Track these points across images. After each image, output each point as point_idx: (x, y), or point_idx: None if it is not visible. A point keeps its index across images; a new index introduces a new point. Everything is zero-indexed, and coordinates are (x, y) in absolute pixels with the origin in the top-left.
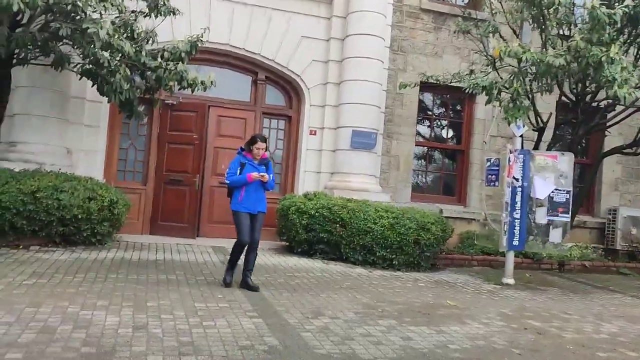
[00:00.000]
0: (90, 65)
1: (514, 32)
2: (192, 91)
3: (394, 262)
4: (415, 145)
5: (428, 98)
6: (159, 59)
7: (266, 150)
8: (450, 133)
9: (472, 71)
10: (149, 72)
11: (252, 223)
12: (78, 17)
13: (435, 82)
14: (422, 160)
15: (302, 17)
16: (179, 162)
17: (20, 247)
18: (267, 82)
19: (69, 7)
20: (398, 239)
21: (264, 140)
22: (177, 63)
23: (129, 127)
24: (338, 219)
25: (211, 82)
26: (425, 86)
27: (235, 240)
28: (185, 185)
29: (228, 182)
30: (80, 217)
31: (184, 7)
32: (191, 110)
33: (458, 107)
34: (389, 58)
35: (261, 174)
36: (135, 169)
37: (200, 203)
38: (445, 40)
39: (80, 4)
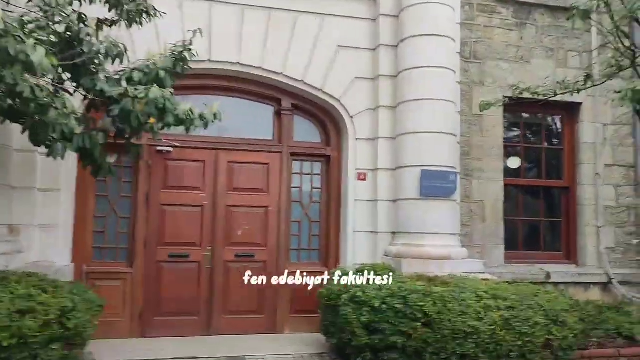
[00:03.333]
0: (10, 101)
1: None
2: (187, 130)
3: None
4: (505, 183)
5: (514, 119)
6: (124, 84)
7: None
8: (548, 165)
9: (588, 76)
10: (112, 106)
11: None
12: None
13: (532, 96)
14: (514, 205)
15: (337, 21)
16: (181, 230)
17: None
18: (294, 112)
19: None
20: (519, 343)
21: None
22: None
23: (107, 186)
24: (419, 314)
25: (214, 115)
26: (509, 103)
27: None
28: (191, 262)
29: None
30: (6, 344)
31: (172, 15)
32: (194, 160)
33: (555, 129)
34: (460, 68)
35: None
36: (117, 244)
37: (211, 286)
38: (533, 39)
39: None
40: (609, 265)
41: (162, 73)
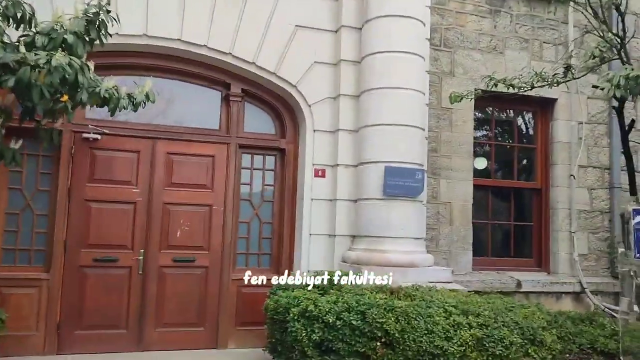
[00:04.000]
0: None
1: None
2: (112, 113)
3: None
4: (474, 184)
5: (486, 114)
6: (22, 49)
7: None
8: (521, 164)
9: (568, 67)
10: (6, 76)
11: None
12: None
13: (507, 89)
14: (483, 207)
15: None
16: (109, 231)
17: None
18: (245, 98)
19: None
20: None
21: None
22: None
23: (23, 178)
24: (379, 332)
25: (146, 95)
26: (479, 97)
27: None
28: (120, 267)
29: None
30: None
31: None
32: (127, 150)
33: (528, 126)
34: (430, 56)
35: None
36: (33, 246)
37: (144, 295)
38: (507, 29)
39: None
40: (582, 273)
41: (70, 38)
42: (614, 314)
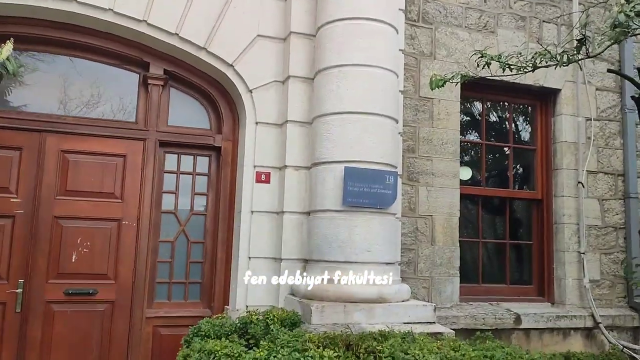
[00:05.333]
0: None
1: None
2: None
3: None
4: (461, 193)
5: (474, 108)
6: None
7: None
8: (517, 170)
9: (582, 41)
10: None
11: None
12: None
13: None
14: (472, 222)
15: None
16: None
17: None
18: (170, 83)
19: None
20: None
21: None
22: None
23: None
24: None
25: (4, 65)
26: (468, 85)
27: None
28: None
29: None
30: None
31: None
32: (3, 146)
33: (525, 123)
34: (405, 33)
35: None
36: None
37: (23, 341)
38: (499, 3)
39: None
40: (594, 304)
41: None
42: (635, 355)
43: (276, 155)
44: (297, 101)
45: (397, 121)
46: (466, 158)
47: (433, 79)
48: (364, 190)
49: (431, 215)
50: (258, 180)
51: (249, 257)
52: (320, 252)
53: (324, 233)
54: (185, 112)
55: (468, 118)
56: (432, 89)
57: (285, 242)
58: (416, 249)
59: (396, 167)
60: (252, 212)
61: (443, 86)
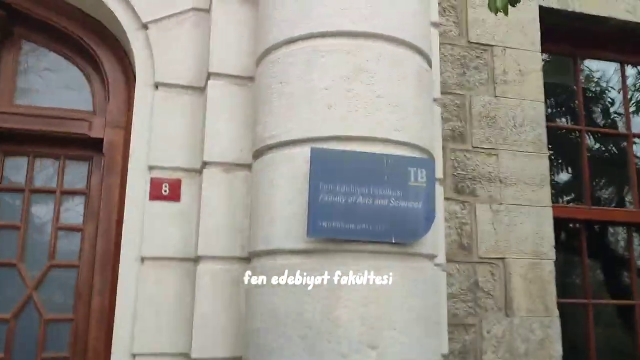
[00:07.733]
0: None
1: None
2: None
3: None
4: (555, 216)
5: (564, 64)
6: None
7: None
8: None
9: None
10: None
11: None
12: None
13: None
14: (576, 269)
15: None
16: None
17: None
18: (15, 26)
19: None
20: None
21: None
22: None
23: None
24: None
25: None
26: (551, 31)
27: None
28: None
29: None
30: None
31: None
32: None
33: None
34: None
35: None
36: None
37: None
38: None
39: None
40: None
41: None
42: None
43: (188, 145)
44: (232, 36)
45: (430, 63)
46: (555, 155)
47: None
48: (358, 202)
49: (503, 258)
50: (155, 196)
51: (133, 354)
52: (265, 350)
53: (273, 303)
54: (48, 83)
55: (554, 80)
56: (494, 12)
57: (201, 327)
58: (477, 325)
59: (432, 155)
60: (141, 259)
61: (515, 5)
